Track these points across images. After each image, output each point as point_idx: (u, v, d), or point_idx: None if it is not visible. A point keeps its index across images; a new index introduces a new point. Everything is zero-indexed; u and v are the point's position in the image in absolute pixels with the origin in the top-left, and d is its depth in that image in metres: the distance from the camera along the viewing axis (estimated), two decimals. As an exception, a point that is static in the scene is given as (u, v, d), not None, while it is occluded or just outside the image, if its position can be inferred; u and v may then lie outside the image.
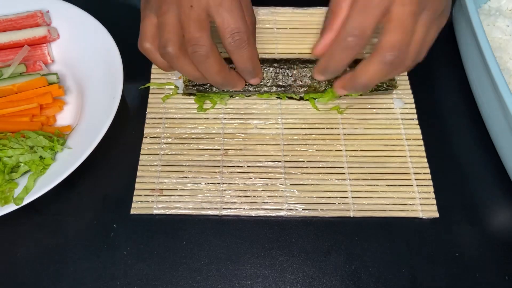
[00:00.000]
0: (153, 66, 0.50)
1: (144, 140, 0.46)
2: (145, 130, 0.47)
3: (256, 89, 0.46)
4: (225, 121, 0.47)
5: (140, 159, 0.45)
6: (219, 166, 0.45)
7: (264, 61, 0.46)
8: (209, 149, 0.45)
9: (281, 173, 0.44)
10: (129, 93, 0.46)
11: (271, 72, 0.45)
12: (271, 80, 0.46)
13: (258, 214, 0.42)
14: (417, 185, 0.43)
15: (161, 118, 0.47)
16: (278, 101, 0.48)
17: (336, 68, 0.39)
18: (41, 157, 0.42)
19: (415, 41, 0.36)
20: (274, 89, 0.46)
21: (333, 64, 0.39)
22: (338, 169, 0.44)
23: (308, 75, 0.45)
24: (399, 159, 0.45)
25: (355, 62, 0.39)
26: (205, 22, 0.38)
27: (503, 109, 0.41)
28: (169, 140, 0.46)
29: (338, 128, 0.47)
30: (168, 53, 0.38)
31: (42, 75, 0.48)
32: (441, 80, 0.51)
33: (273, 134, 0.46)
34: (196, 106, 0.48)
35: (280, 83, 0.46)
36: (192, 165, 0.45)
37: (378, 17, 0.35)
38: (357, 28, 0.36)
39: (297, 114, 0.48)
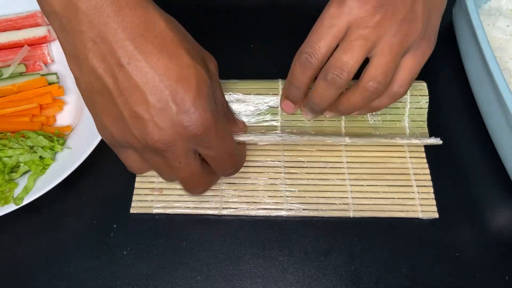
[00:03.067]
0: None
1: (144, 140, 0.46)
2: (145, 130, 0.47)
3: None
4: (225, 121, 0.47)
5: (140, 159, 0.45)
6: (219, 166, 0.45)
7: None
8: (209, 149, 0.45)
9: (281, 173, 0.44)
10: (129, 93, 0.46)
11: None
12: None
13: (258, 214, 0.42)
14: (417, 186, 0.43)
15: (161, 118, 0.47)
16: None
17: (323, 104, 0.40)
18: (41, 157, 0.42)
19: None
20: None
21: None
22: (338, 169, 0.44)
23: None
24: (399, 160, 0.45)
25: None
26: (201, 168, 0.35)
27: (503, 109, 0.40)
28: (169, 140, 0.46)
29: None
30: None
31: (42, 75, 0.48)
32: (441, 80, 0.51)
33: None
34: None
35: None
36: (192, 165, 0.45)
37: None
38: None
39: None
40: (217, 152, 0.34)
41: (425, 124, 0.46)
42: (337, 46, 0.36)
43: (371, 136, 0.44)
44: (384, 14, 0.34)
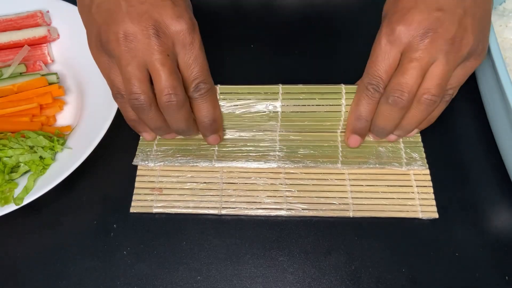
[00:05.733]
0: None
1: (144, 140, 0.46)
2: (145, 130, 0.47)
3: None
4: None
5: (140, 159, 0.45)
6: (219, 166, 0.45)
7: None
8: (209, 149, 0.45)
9: (280, 172, 0.44)
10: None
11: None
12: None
13: (258, 214, 0.42)
14: (416, 186, 0.43)
15: (161, 118, 0.47)
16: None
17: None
18: (41, 157, 0.42)
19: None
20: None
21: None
22: (338, 169, 0.44)
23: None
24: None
25: None
26: (178, 73, 0.37)
27: (507, 109, 0.40)
28: (169, 140, 0.46)
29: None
30: (140, 105, 0.37)
31: (42, 75, 0.48)
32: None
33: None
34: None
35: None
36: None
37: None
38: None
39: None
40: (194, 56, 0.37)
41: (419, 138, 0.46)
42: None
43: (367, 160, 0.44)
44: (433, 36, 0.35)
